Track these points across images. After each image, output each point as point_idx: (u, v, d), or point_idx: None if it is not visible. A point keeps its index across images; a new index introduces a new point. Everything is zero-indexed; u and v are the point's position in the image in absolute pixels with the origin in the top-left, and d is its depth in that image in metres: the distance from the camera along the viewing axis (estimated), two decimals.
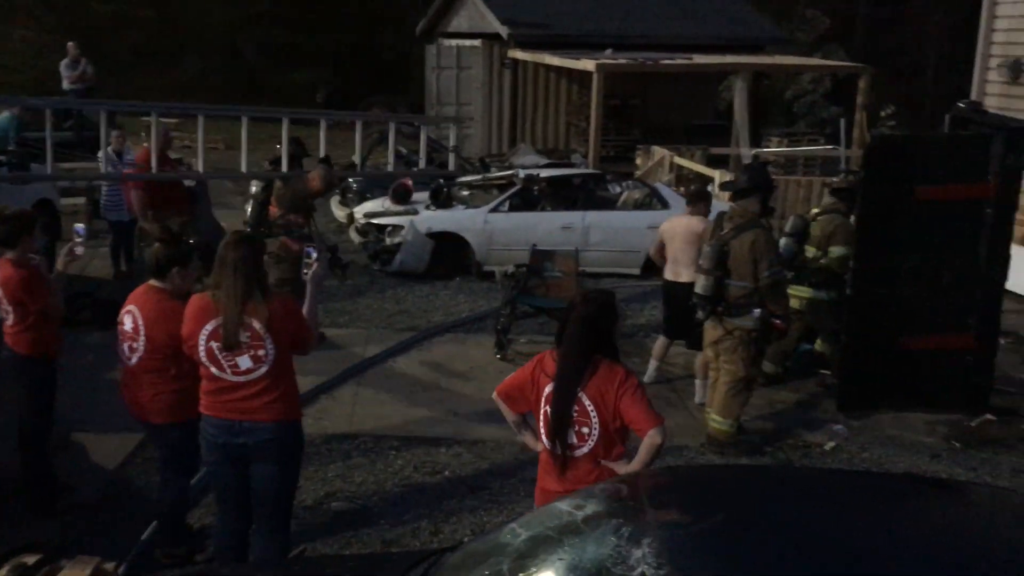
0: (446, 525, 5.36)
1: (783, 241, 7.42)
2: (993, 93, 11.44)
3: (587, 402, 3.77)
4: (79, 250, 5.05)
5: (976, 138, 6.94)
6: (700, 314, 6.33)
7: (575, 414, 3.78)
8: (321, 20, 27.34)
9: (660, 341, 7.71)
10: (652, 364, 7.66)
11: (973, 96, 11.38)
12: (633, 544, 2.68)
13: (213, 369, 4.11)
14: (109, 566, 3.28)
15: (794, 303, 7.39)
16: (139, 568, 4.69)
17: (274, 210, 8.01)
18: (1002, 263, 6.97)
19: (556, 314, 8.48)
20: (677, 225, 7.44)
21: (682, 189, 12.25)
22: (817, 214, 7.67)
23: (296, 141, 10.74)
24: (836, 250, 7.26)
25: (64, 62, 15.11)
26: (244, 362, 4.07)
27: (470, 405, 7.17)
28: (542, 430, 3.91)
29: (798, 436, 6.84)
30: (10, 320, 5.01)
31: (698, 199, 7.56)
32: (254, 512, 4.29)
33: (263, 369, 4.09)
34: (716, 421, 6.47)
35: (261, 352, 4.06)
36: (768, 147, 16.61)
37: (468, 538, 5.11)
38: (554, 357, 3.87)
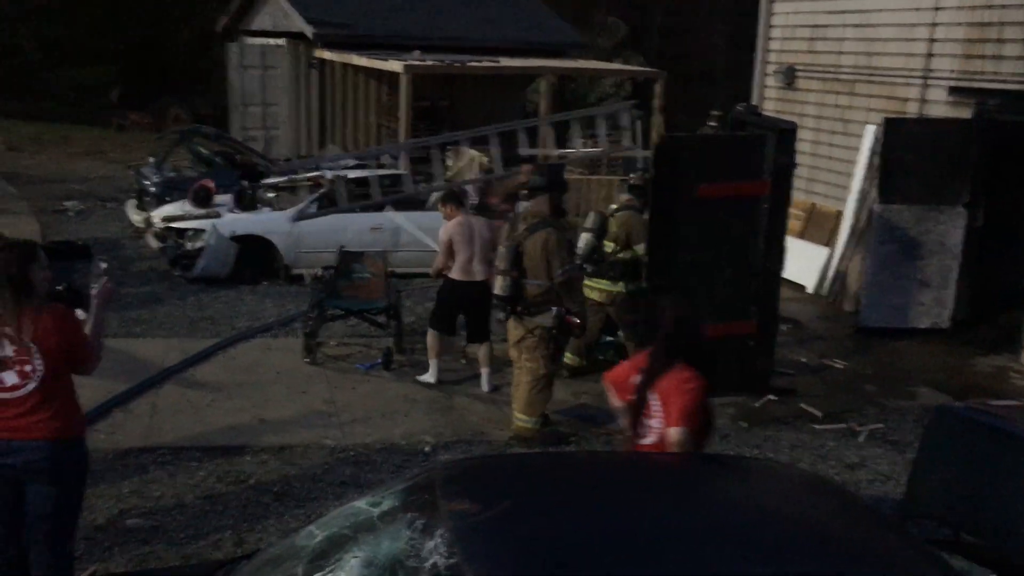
0: (251, 534, 5.22)
1: (583, 236, 7.72)
2: (771, 97, 12.33)
3: (656, 400, 4.05)
4: None
5: (752, 139, 7.47)
6: (501, 314, 6.48)
7: (647, 408, 4.07)
8: (105, 16, 25.80)
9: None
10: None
11: (754, 100, 12.23)
12: (426, 536, 2.72)
13: None
14: None
15: (595, 295, 7.70)
16: None
17: (494, 199, 8.15)
18: (778, 254, 7.54)
19: (366, 316, 8.46)
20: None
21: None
22: (615, 210, 8.02)
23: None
24: (640, 248, 7.60)
25: None
26: (9, 378, 3.83)
27: (277, 411, 7.02)
28: (628, 417, 4.22)
29: (602, 426, 7.11)
30: None
31: (447, 200, 7.85)
32: (30, 536, 4.02)
33: (31, 385, 3.85)
34: (521, 419, 6.63)
35: (28, 367, 3.83)
36: (573, 148, 17.15)
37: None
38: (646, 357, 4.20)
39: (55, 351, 3.86)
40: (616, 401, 4.40)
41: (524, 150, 12.99)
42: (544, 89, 16.61)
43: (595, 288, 7.70)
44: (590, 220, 7.96)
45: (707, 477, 3.44)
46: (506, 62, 17.30)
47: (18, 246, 4.02)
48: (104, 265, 4.23)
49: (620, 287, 7.72)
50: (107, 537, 5.10)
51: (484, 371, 7.60)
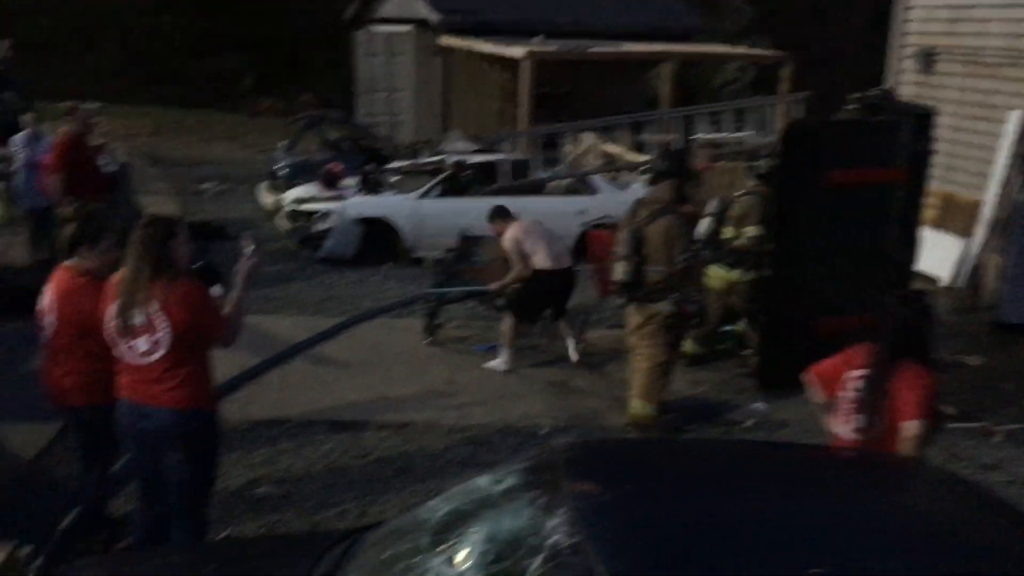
0: (373, 506, 5.38)
1: (703, 221, 7.60)
2: (907, 82, 11.79)
3: (880, 396, 3.96)
4: None
5: (886, 124, 7.18)
6: (620, 300, 6.45)
7: (868, 404, 3.99)
8: (243, 5, 26.81)
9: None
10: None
11: (888, 85, 11.73)
12: (548, 515, 2.75)
13: (118, 349, 4.08)
14: (24, 551, 3.23)
15: (715, 284, 7.58)
16: (58, 556, 4.62)
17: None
18: (911, 245, 7.24)
19: (484, 298, 8.57)
20: None
21: (611, 176, 12.40)
22: (738, 196, 7.86)
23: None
24: (750, 230, 7.45)
25: None
26: (141, 344, 4.02)
27: (398, 389, 7.20)
28: (840, 414, 4.12)
29: (720, 415, 7.02)
30: None
31: (495, 217, 7.98)
32: (169, 498, 4.24)
33: (159, 354, 4.02)
34: (638, 406, 6.60)
35: (156, 337, 4.00)
36: (698, 135, 16.88)
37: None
38: (866, 352, 4.04)
39: (182, 324, 3.99)
40: (820, 396, 4.29)
41: (648, 136, 12.87)
42: (666, 74, 16.39)
43: (716, 275, 7.57)
44: (712, 205, 7.83)
45: (835, 470, 3.36)
46: (629, 47, 17.15)
47: (161, 221, 4.22)
48: (252, 245, 4.38)
49: (737, 275, 7.56)
50: (240, 503, 5.35)
51: (572, 341, 7.92)
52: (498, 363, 7.70)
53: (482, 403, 7.03)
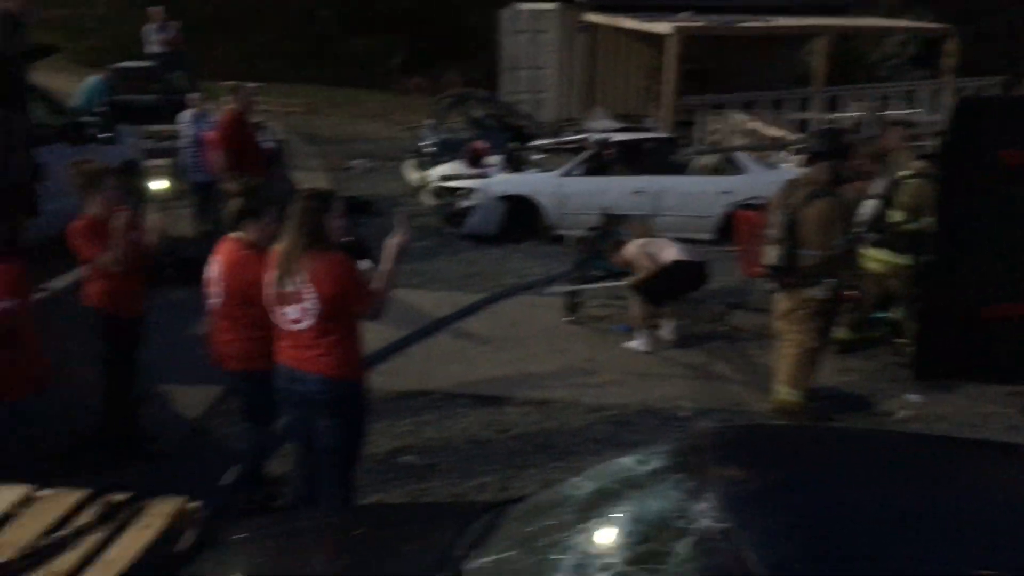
0: (514, 481, 5.46)
1: (869, 203, 7.25)
2: None
3: None
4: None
5: None
6: (770, 284, 6.26)
7: None
8: None
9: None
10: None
11: None
12: (696, 499, 2.71)
13: (275, 316, 4.28)
14: (193, 506, 3.44)
15: (875, 266, 7.24)
16: (220, 513, 4.90)
17: (859, 161, 7.87)
18: None
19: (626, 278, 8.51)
20: None
21: (760, 155, 12.04)
22: (906, 177, 7.45)
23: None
24: (929, 220, 7.04)
25: (150, 26, 15.42)
26: (292, 312, 4.20)
27: (540, 366, 7.26)
28: None
29: (871, 405, 6.75)
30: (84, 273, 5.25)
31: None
32: (319, 461, 4.42)
33: (307, 322, 4.18)
34: (785, 392, 6.41)
35: (306, 304, 4.15)
36: (851, 112, 16.18)
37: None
38: None
39: (328, 294, 4.13)
40: None
41: (796, 115, 12.40)
42: (820, 50, 15.75)
43: (877, 259, 7.23)
44: (878, 186, 7.46)
45: (999, 466, 3.17)
46: (780, 21, 16.55)
47: (318, 195, 4.39)
48: (404, 222, 4.48)
49: (905, 259, 7.18)
50: (386, 470, 5.53)
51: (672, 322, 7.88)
52: (638, 343, 7.65)
53: (622, 383, 7.00)
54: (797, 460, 3.02)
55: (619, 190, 10.70)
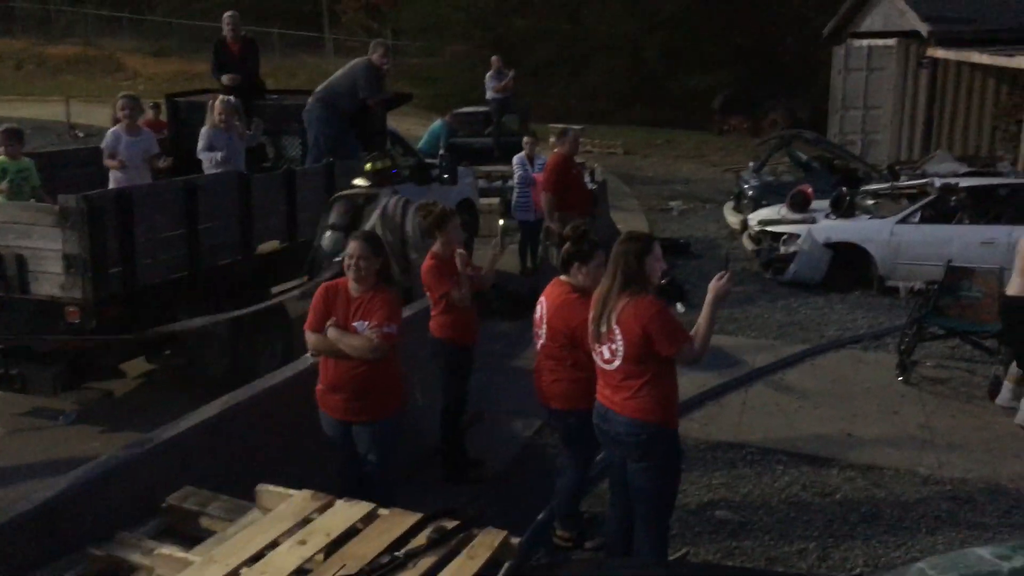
0: (835, 551, 5.09)
1: None
2: None
3: None
4: (501, 246, 5.56)
5: None
6: None
7: None
8: (721, 24, 27.27)
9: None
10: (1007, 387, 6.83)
11: None
12: None
13: (593, 355, 4.34)
14: (515, 540, 3.55)
15: None
16: (533, 546, 5.03)
17: None
18: None
19: (972, 339, 7.72)
20: None
21: None
22: None
23: None
24: None
25: (489, 73, 16.54)
26: (604, 352, 4.24)
27: (866, 427, 6.75)
28: None
29: None
30: (431, 306, 5.66)
31: None
32: (634, 505, 4.39)
33: (616, 363, 4.18)
34: None
35: (614, 346, 4.17)
36: None
37: (860, 569, 4.82)
38: None
39: (633, 337, 4.11)
40: None
41: None
42: None
43: None
44: None
45: None
46: None
47: (638, 238, 4.37)
48: (730, 266, 4.37)
49: None
50: (698, 523, 5.38)
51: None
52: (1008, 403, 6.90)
53: (964, 454, 6.32)
54: None
55: (965, 240, 9.77)
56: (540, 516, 5.19)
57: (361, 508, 3.71)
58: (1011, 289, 6.83)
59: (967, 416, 6.96)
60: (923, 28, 16.90)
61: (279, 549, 3.46)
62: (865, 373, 7.90)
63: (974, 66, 16.56)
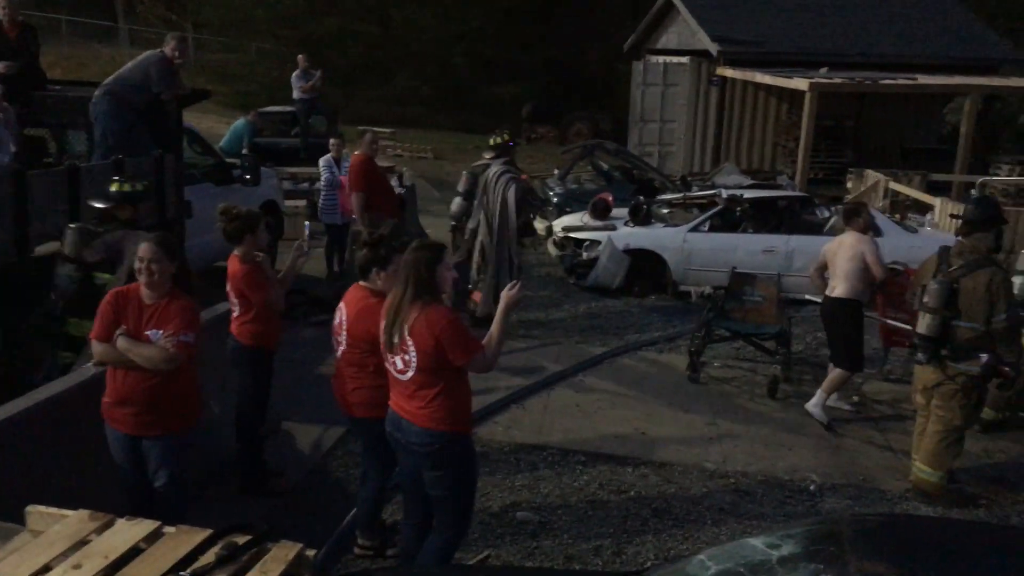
0: (629, 546, 5.29)
1: (1018, 280, 6.84)
2: None
3: None
4: (306, 247, 5.38)
5: None
6: (920, 356, 5.92)
7: None
8: (529, 36, 27.96)
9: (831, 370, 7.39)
10: (820, 396, 7.30)
11: None
12: None
13: (386, 364, 4.30)
14: (310, 553, 3.45)
15: None
16: (335, 556, 4.93)
17: None
18: None
19: (754, 340, 8.25)
20: (838, 243, 7.28)
21: (898, 216, 11.60)
22: None
23: None
24: None
25: (296, 73, 16.11)
26: (399, 362, 4.21)
27: (659, 425, 7.07)
28: None
29: (1021, 490, 6.27)
30: (236, 312, 5.42)
31: (853, 215, 7.32)
32: (430, 511, 4.38)
33: (410, 374, 4.17)
34: (924, 471, 6.04)
35: (407, 357, 4.15)
36: (998, 175, 15.45)
37: (651, 563, 5.03)
38: None
39: (426, 348, 4.10)
40: None
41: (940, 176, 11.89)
42: (968, 109, 15.11)
43: None
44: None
45: None
46: (924, 79, 15.99)
47: (429, 247, 4.35)
48: (520, 275, 4.44)
49: None
50: (499, 525, 5.45)
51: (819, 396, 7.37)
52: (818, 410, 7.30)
53: (746, 449, 6.75)
54: (944, 560, 2.79)
55: (748, 248, 10.46)
56: (342, 525, 5.10)
57: (144, 527, 3.49)
58: (835, 291, 7.20)
59: (749, 413, 7.43)
60: (713, 48, 17.98)
61: (51, 575, 3.20)
62: (659, 374, 8.28)
63: (758, 85, 17.79)
